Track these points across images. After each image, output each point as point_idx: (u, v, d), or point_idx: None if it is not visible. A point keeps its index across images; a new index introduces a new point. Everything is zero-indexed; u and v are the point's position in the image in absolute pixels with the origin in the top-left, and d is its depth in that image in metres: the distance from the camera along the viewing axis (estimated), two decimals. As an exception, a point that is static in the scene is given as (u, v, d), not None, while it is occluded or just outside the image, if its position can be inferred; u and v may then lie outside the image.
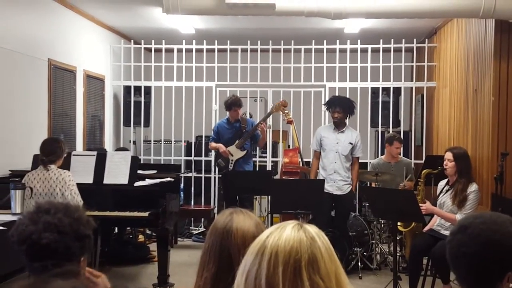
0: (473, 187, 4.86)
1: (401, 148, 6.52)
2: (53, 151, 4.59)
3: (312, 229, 1.27)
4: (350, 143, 6.06)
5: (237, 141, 6.73)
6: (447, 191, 5.00)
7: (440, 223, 4.98)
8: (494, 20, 5.48)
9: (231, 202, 6.31)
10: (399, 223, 5.29)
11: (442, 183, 5.15)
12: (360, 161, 7.75)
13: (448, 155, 5.00)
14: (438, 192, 5.13)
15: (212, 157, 8.07)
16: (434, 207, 4.95)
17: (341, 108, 6.08)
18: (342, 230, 5.90)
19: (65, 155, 4.83)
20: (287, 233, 1.24)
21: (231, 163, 6.71)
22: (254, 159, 7.94)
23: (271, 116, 8.02)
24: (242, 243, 1.72)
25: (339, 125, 6.13)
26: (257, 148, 7.66)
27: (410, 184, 6.11)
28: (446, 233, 4.63)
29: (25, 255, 1.75)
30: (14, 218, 4.12)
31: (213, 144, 6.93)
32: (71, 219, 1.77)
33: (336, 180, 5.92)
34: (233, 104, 6.77)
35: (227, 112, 6.93)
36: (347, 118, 6.20)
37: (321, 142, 6.12)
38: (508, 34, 5.49)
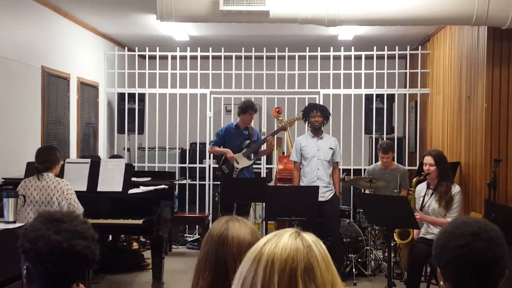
0: (456, 188, 4.96)
1: (391, 158, 6.45)
2: (47, 159, 4.58)
3: (310, 237, 1.27)
4: (331, 148, 6.08)
5: (244, 150, 6.63)
6: (431, 194, 5.03)
7: (433, 232, 4.99)
8: (487, 27, 5.52)
9: (227, 209, 6.29)
10: (395, 236, 5.28)
11: (422, 187, 5.17)
12: (354, 167, 7.86)
13: (429, 159, 5.02)
14: (418, 197, 5.14)
15: (206, 164, 8.07)
16: (427, 215, 4.97)
17: (321, 113, 6.11)
18: (336, 237, 5.88)
19: (61, 162, 4.82)
20: (284, 241, 1.24)
21: (236, 171, 6.62)
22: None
23: (265, 121, 8.08)
24: (237, 251, 1.72)
25: (317, 132, 6.13)
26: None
27: (405, 192, 6.13)
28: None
29: (53, 266, 1.72)
30: (7, 226, 4.11)
31: (217, 148, 6.70)
32: (86, 225, 1.81)
33: (320, 187, 5.87)
34: (250, 107, 6.60)
35: (238, 117, 6.73)
36: (324, 124, 6.21)
37: (302, 152, 6.09)
38: (501, 41, 5.53)
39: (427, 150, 5.65)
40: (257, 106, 6.84)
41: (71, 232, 1.74)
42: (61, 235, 1.73)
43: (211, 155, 7.68)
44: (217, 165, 6.93)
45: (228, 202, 6.34)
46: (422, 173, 5.12)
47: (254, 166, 8.00)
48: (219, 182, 6.95)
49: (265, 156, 8.11)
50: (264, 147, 7.08)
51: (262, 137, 6.86)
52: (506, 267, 1.70)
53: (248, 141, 6.73)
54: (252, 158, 6.73)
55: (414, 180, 5.29)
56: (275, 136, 6.89)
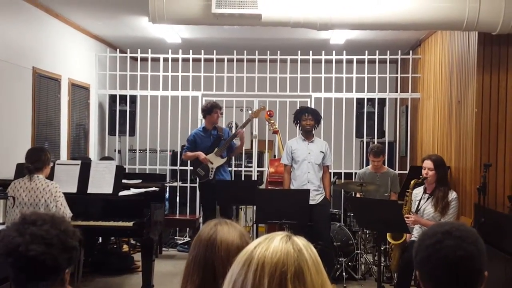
0: (453, 194, 4.99)
1: (382, 161, 6.48)
2: (38, 158, 4.56)
3: (301, 241, 1.27)
4: (321, 151, 6.09)
5: (216, 149, 6.67)
6: (427, 199, 5.04)
7: None
8: (477, 33, 5.55)
9: (210, 211, 6.28)
10: (388, 237, 5.30)
11: (418, 191, 5.18)
12: (345, 171, 7.88)
13: (428, 164, 5.04)
14: (414, 200, 5.15)
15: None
16: (421, 218, 4.98)
17: (312, 116, 6.13)
18: (326, 240, 5.88)
19: (51, 164, 4.80)
20: (274, 245, 1.24)
21: (212, 171, 6.64)
22: (239, 168, 7.97)
23: (256, 125, 8.09)
24: (226, 255, 1.72)
25: (309, 135, 6.14)
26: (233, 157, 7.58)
27: (394, 195, 6.15)
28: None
29: (11, 267, 1.72)
30: (-3, 227, 4.08)
31: (189, 154, 6.77)
32: (58, 231, 1.75)
33: (310, 190, 5.83)
34: (214, 106, 6.70)
35: (203, 120, 6.82)
36: (315, 128, 6.23)
37: (292, 155, 6.10)
38: (491, 46, 5.57)
39: (427, 154, 5.66)
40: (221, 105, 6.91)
41: (34, 236, 1.70)
42: (23, 238, 1.69)
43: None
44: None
45: (218, 205, 6.34)
46: (421, 176, 5.12)
47: (246, 169, 8.05)
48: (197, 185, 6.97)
49: (256, 159, 8.11)
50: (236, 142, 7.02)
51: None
52: (482, 270, 1.69)
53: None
54: (225, 156, 6.74)
55: (413, 182, 5.25)
56: (246, 130, 6.90)
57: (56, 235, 1.74)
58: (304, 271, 1.21)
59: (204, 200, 6.88)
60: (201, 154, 6.65)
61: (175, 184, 8.04)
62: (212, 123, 6.78)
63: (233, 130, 7.90)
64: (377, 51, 7.81)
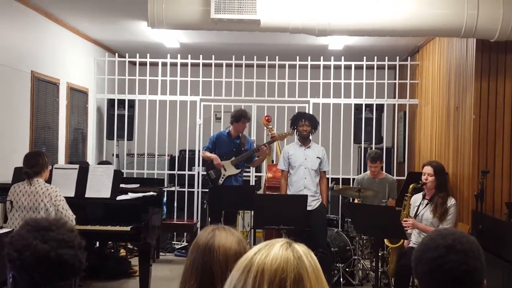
0: (452, 201, 5.01)
1: (379, 167, 6.50)
2: (36, 163, 4.56)
3: (301, 248, 1.27)
4: (318, 157, 6.08)
5: (233, 158, 6.57)
6: (426, 204, 5.05)
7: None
8: (476, 39, 5.57)
9: (215, 217, 6.26)
10: (386, 240, 5.30)
11: (417, 197, 5.19)
12: (343, 176, 7.88)
13: (428, 170, 5.04)
14: (413, 206, 5.16)
15: (195, 171, 8.05)
16: (419, 223, 4.99)
17: (309, 122, 6.12)
18: (322, 246, 5.86)
19: (50, 167, 4.80)
20: (274, 251, 1.24)
21: (222, 178, 6.59)
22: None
23: (254, 130, 8.09)
24: (224, 260, 1.72)
25: (305, 140, 6.12)
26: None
27: (392, 202, 6.15)
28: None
29: (38, 275, 1.70)
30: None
31: (207, 154, 6.67)
32: (73, 233, 1.78)
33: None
34: (242, 115, 6.60)
35: (230, 125, 6.71)
36: (312, 133, 6.22)
37: (289, 161, 6.09)
38: (489, 53, 5.58)
39: (427, 160, 5.67)
40: (250, 114, 6.83)
41: (58, 240, 1.71)
42: (48, 244, 1.69)
43: (200, 162, 7.71)
44: (205, 173, 6.91)
45: (216, 209, 6.33)
46: (420, 181, 5.12)
47: (243, 174, 8.02)
48: (207, 190, 6.92)
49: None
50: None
51: (255, 146, 6.82)
52: (482, 279, 1.69)
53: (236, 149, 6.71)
54: (240, 167, 6.70)
55: (411, 186, 5.25)
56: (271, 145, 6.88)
57: (74, 236, 1.77)
58: (303, 278, 1.21)
59: (210, 204, 6.84)
60: (217, 159, 6.53)
61: (173, 188, 8.03)
62: (238, 132, 6.67)
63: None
64: (376, 57, 7.83)
